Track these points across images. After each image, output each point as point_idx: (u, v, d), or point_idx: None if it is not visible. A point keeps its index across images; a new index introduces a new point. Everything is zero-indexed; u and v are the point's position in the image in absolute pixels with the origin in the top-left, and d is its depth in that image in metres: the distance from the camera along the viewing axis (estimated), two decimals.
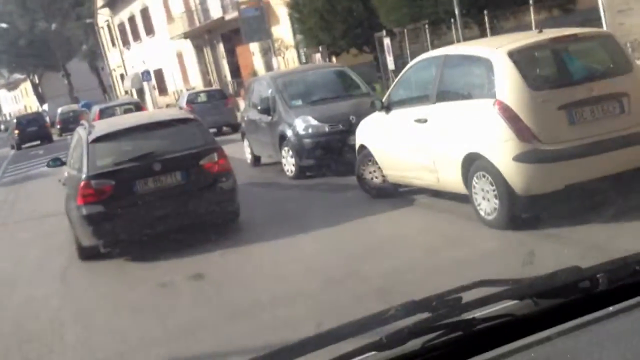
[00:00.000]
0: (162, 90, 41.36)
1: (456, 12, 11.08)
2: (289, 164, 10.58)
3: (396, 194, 7.84)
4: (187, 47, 35.68)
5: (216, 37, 32.03)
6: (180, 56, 37.22)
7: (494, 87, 5.68)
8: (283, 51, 23.91)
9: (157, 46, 39.91)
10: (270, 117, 11.01)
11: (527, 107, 5.50)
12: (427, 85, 6.82)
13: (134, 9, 41.92)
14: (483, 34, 12.20)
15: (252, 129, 12.24)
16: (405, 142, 7.00)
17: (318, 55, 18.28)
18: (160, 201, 7.16)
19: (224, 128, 21.14)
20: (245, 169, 12.82)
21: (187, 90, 33.52)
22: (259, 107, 11.25)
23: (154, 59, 40.64)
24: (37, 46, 68.51)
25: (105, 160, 7.35)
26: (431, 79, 6.69)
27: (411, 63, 7.43)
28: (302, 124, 10.24)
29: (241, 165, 13.07)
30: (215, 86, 32.33)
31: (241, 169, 12.76)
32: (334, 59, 18.71)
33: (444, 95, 6.45)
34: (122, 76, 49.51)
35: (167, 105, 37.52)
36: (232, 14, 27.92)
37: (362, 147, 8.07)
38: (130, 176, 7.19)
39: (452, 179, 6.35)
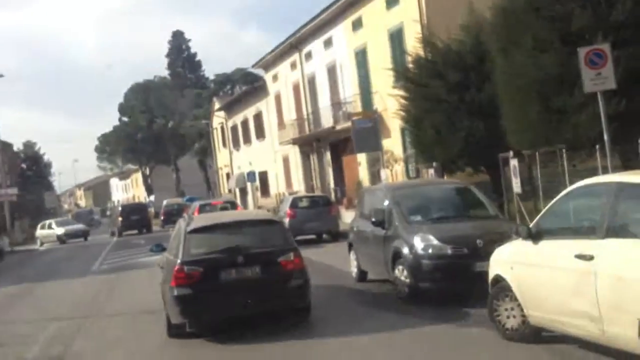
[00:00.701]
0: (265, 192, 41.82)
1: (605, 138, 10.03)
2: (401, 284, 9.52)
3: (538, 340, 6.58)
4: (294, 153, 36.12)
5: (324, 145, 32.20)
6: (286, 160, 37.70)
7: None
8: (392, 164, 23.35)
9: (264, 149, 40.79)
10: (384, 231, 10.13)
11: None
12: (592, 215, 5.75)
13: (249, 113, 43.47)
14: (627, 165, 10.99)
15: (362, 241, 11.39)
16: (561, 280, 5.85)
17: (431, 171, 17.47)
18: (240, 290, 8.14)
19: (324, 235, 20.45)
20: (348, 282, 11.86)
21: (290, 194, 33.66)
22: (373, 219, 10.39)
23: (260, 162, 41.45)
24: (152, 141, 72.65)
25: (199, 250, 8.39)
26: (598, 209, 5.62)
27: (569, 189, 6.40)
28: (422, 243, 9.26)
29: (344, 279, 12.11)
30: (318, 192, 32.22)
31: (344, 283, 11.83)
32: (444, 175, 17.89)
33: (617, 230, 5.34)
34: (227, 175, 50.84)
35: (259, 206, 37.82)
36: (343, 124, 28.03)
37: (498, 278, 6.96)
38: (217, 265, 8.22)
39: (624, 335, 5.11)
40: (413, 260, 9.23)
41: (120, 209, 41.97)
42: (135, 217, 38.58)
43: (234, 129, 47.51)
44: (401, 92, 18.90)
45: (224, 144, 51.06)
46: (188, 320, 8.37)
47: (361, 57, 27.02)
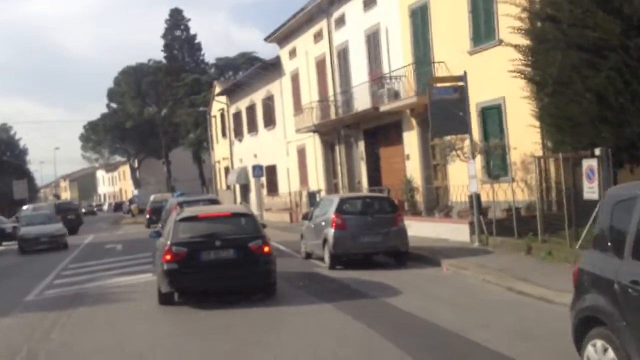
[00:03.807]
0: (272, 189, 35.16)
1: None
2: None
3: None
4: (313, 143, 29.49)
5: (355, 133, 25.58)
6: (302, 152, 31.05)
7: None
8: (460, 154, 16.67)
9: (274, 140, 34.16)
10: None
11: None
12: None
13: (256, 97, 36.77)
14: None
15: None
16: None
17: (591, 164, 10.88)
18: (217, 268, 10.24)
19: (377, 256, 13.84)
20: None
21: (310, 193, 26.96)
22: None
23: (268, 154, 34.84)
24: (142, 130, 65.75)
25: (185, 234, 10.50)
26: None
27: None
28: None
29: None
30: (343, 191, 25.57)
31: None
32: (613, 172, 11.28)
33: None
34: (226, 169, 44.11)
35: (267, 208, 30.96)
36: (388, 105, 21.47)
37: None
38: (199, 247, 10.31)
39: None
40: None
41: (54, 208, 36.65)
42: (70, 216, 37.08)
43: (237, 116, 40.80)
44: (522, 42, 12.30)
45: (224, 134, 44.32)
46: (174, 289, 10.49)
47: (419, 16, 20.46)
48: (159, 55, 69.99)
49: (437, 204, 20.40)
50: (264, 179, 34.93)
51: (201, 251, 10.16)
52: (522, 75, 12.75)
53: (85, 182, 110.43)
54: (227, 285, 10.43)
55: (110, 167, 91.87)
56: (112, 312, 10.72)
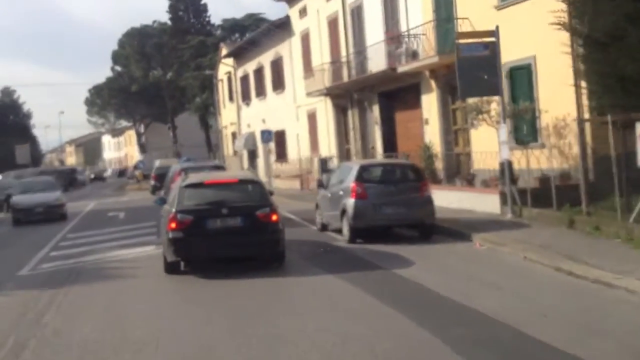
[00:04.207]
0: (281, 155, 33.96)
1: None
2: None
3: None
4: (324, 107, 28.19)
5: (370, 96, 24.25)
6: (312, 117, 29.76)
7: None
8: (487, 119, 15.43)
9: (283, 104, 32.84)
10: None
11: None
12: None
13: (264, 59, 35.31)
14: None
15: None
16: None
17: None
18: (224, 236, 9.96)
19: (399, 229, 12.74)
20: None
21: (322, 160, 25.79)
22: None
23: (277, 119, 33.54)
24: (148, 94, 64.37)
25: (190, 202, 10.16)
26: None
27: None
28: None
29: None
30: (357, 157, 24.37)
31: None
32: None
33: None
34: (233, 135, 42.88)
35: (276, 175, 29.85)
36: (406, 66, 20.11)
37: None
38: (205, 215, 10.01)
39: None
40: None
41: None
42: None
43: (245, 79, 39.38)
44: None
45: (231, 98, 42.96)
46: (180, 258, 10.20)
47: None
48: (164, 17, 68.46)
49: (457, 171, 19.20)
50: (272, 145, 33.72)
51: (207, 219, 9.91)
52: (565, 28, 11.39)
53: (91, 147, 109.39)
54: (233, 254, 10.25)
55: (116, 132, 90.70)
56: (112, 290, 9.69)
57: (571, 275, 8.40)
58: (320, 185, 14.80)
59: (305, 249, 12.19)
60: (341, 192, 12.70)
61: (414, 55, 20.23)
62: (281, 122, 33.20)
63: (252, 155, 38.88)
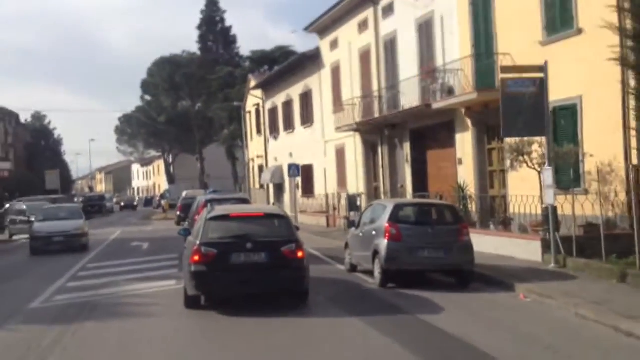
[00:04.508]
0: (308, 190, 33.34)
1: None
2: None
3: None
4: (353, 143, 27.57)
5: (401, 133, 23.58)
6: (340, 153, 29.15)
7: None
8: (527, 160, 14.58)
9: (311, 138, 32.37)
10: None
11: None
12: None
13: (294, 92, 34.99)
14: None
15: None
16: None
17: None
18: (247, 272, 9.64)
19: (437, 275, 11.88)
20: None
21: (349, 197, 25.02)
22: None
23: (305, 153, 33.03)
24: (176, 125, 64.52)
25: (215, 234, 9.91)
26: None
27: None
28: None
29: None
30: (386, 196, 23.58)
31: None
32: None
33: None
34: (260, 168, 42.44)
35: (302, 210, 29.11)
36: (441, 103, 19.44)
37: None
38: (229, 249, 9.74)
39: None
40: None
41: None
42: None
43: (273, 111, 39.08)
44: None
45: (259, 131, 42.66)
46: (201, 293, 9.91)
47: (481, 2, 18.40)
48: (193, 47, 69.02)
49: (492, 215, 18.30)
50: (299, 179, 33.16)
51: (231, 253, 9.66)
52: (621, 62, 10.63)
53: (120, 175, 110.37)
54: (256, 291, 9.97)
55: (145, 162, 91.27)
56: (126, 329, 9.01)
57: (632, 337, 7.49)
58: (351, 224, 14.05)
59: (332, 290, 11.47)
60: (374, 232, 11.93)
61: (449, 91, 19.56)
62: (309, 157, 32.67)
63: (279, 189, 38.34)
